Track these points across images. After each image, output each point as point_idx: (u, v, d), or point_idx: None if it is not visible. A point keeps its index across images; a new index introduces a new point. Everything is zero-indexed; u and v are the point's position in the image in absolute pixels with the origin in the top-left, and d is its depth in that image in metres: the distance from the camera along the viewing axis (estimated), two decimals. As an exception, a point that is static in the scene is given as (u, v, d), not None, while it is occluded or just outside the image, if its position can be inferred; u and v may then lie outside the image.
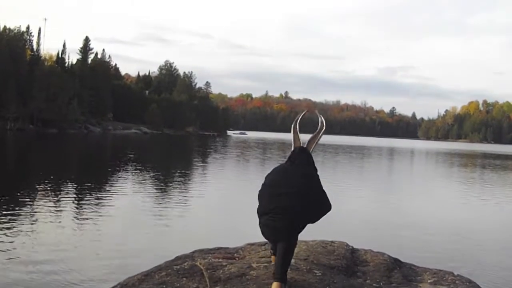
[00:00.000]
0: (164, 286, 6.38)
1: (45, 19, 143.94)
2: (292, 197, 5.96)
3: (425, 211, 20.61)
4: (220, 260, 7.11)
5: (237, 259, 7.23)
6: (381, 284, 6.86)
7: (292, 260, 6.58)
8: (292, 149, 6.53)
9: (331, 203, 6.20)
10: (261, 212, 6.17)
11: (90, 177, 25.90)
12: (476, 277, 7.81)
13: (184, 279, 6.55)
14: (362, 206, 20.90)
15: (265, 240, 7.04)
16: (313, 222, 6.20)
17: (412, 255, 9.76)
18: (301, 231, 6.11)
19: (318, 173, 6.43)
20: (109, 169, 31.34)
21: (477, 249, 13.37)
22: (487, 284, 8.55)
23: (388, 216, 18.82)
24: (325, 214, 6.23)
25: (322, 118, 6.81)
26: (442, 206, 22.20)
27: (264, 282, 6.33)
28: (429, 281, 7.24)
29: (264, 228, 6.13)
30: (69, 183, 23.31)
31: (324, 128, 6.77)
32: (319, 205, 6.17)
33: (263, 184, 6.33)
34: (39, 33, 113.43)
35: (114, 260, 10.23)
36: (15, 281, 8.70)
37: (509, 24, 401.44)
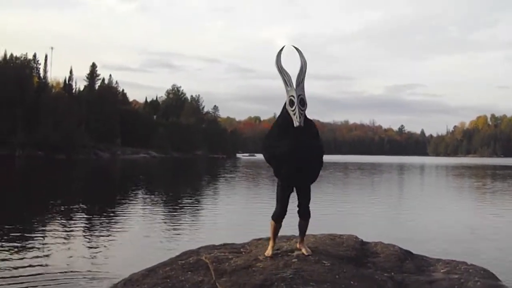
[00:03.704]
0: (168, 280, 6.25)
1: (52, 48, 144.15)
2: None
3: (438, 213, 20.57)
4: (226, 253, 6.98)
5: (243, 253, 7.08)
6: (393, 274, 6.69)
7: (299, 252, 6.71)
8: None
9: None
10: None
11: (100, 200, 25.84)
12: (490, 266, 7.62)
13: (189, 273, 6.42)
14: (373, 209, 20.80)
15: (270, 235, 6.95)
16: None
17: (423, 249, 9.61)
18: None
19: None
20: (120, 190, 31.38)
21: (491, 244, 13.42)
22: (502, 272, 8.35)
23: (399, 217, 18.96)
24: (264, 155, 6.65)
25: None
26: (453, 210, 22.17)
27: (272, 273, 6.18)
28: (442, 270, 7.06)
29: None
30: (80, 206, 23.22)
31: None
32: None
33: None
34: (45, 61, 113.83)
35: (118, 259, 10.57)
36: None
37: (511, 38, 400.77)
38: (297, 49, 6.67)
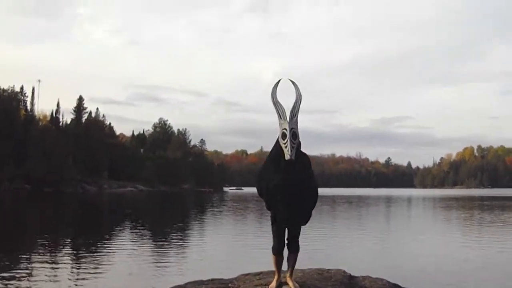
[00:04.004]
0: (155, 316, 6.19)
1: (39, 81, 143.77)
2: None
3: (426, 245, 20.65)
4: (213, 289, 6.91)
5: (231, 288, 7.03)
6: (381, 308, 6.67)
7: (287, 287, 6.58)
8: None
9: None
10: None
11: (87, 234, 25.67)
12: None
13: (177, 309, 6.36)
14: (362, 243, 20.74)
15: (259, 270, 6.89)
16: None
17: (412, 282, 9.57)
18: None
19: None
20: (107, 225, 31.24)
21: (479, 275, 13.44)
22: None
23: (387, 251, 18.98)
24: (257, 188, 6.56)
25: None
26: (441, 242, 22.19)
27: (259, 308, 6.14)
28: (430, 304, 7.05)
29: None
30: (67, 240, 23.10)
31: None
32: None
33: None
34: (32, 93, 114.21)
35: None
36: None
37: (501, 70, 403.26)
38: (293, 82, 6.67)
